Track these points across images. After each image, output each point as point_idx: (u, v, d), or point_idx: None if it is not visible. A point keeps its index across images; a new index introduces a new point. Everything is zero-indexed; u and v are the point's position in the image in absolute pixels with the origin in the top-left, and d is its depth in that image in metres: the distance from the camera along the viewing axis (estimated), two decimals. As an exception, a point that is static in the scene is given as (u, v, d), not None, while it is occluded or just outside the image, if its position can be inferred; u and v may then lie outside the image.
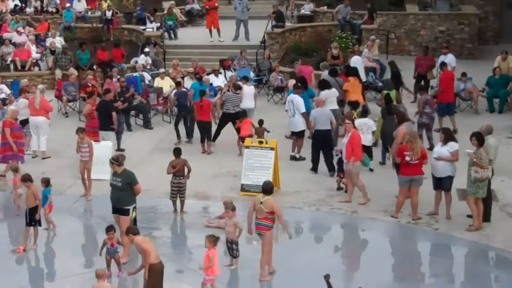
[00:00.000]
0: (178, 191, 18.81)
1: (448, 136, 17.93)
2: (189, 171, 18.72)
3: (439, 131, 20.74)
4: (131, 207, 15.84)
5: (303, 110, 22.01)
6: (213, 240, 13.96)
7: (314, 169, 21.29)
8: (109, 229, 15.01)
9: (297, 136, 22.44)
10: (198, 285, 14.86)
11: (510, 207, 18.65)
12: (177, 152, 19.05)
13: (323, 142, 21.19)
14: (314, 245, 16.91)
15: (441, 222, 17.80)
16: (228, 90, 24.54)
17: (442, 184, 17.86)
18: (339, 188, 19.83)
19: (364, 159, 19.26)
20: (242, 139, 22.34)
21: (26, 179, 16.75)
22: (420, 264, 16.57)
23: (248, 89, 24.84)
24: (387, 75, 27.27)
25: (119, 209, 15.87)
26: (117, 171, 15.91)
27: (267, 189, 15.13)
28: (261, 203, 14.77)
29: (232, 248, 15.19)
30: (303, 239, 17.20)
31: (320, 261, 16.21)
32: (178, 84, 25.28)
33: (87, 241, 17.61)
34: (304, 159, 21.85)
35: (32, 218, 16.33)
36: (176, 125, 24.35)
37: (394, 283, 15.56)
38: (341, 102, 23.83)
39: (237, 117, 23.30)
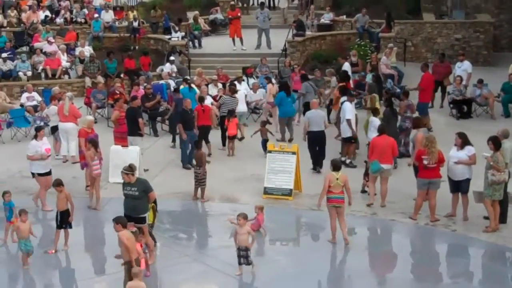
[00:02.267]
0: (197, 179, 19.36)
1: (465, 140, 17.86)
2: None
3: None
4: (146, 215, 15.69)
5: (348, 117, 21.73)
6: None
7: (315, 168, 21.40)
8: (139, 231, 15.05)
9: (345, 142, 22.19)
10: (222, 284, 14.94)
11: (526, 209, 18.54)
12: (198, 144, 20.27)
13: (317, 142, 21.31)
14: (335, 246, 16.84)
15: (459, 224, 17.72)
16: (224, 94, 24.71)
17: (460, 187, 17.79)
18: (363, 191, 19.78)
19: (371, 164, 18.92)
20: (230, 138, 23.24)
21: (58, 183, 16.80)
22: (439, 264, 16.46)
23: (240, 94, 25.18)
24: (367, 78, 27.24)
25: (135, 218, 15.36)
26: (130, 181, 15.53)
27: (339, 165, 16.73)
28: (337, 179, 16.27)
29: (245, 256, 14.92)
30: (325, 241, 17.16)
31: (341, 261, 16.25)
32: (176, 91, 25.42)
33: (117, 243, 17.62)
34: (355, 166, 21.46)
35: (63, 221, 16.40)
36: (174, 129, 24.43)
37: (414, 283, 15.44)
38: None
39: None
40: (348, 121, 21.66)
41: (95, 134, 20.67)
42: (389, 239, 17.98)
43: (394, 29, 34.23)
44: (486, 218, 17.51)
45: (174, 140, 24.25)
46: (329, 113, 25.03)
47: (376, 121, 20.77)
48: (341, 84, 24.36)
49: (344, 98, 22.77)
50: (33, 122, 25.87)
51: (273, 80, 28.44)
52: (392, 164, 19.26)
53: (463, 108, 26.47)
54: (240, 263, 15.02)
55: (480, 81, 26.74)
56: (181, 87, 26.94)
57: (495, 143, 17.11)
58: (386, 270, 16.36)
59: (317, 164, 21.40)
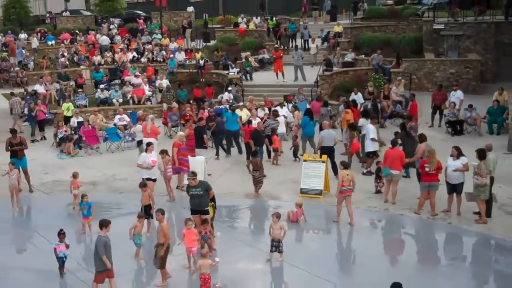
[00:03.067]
0: (255, 180, 19.53)
1: (460, 152, 17.74)
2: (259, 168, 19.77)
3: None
4: (208, 208, 15.79)
5: (372, 136, 21.52)
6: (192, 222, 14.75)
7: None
8: (204, 222, 15.17)
9: (367, 155, 21.90)
10: (267, 262, 14.94)
11: (506, 206, 18.27)
12: (254, 153, 20.18)
13: (328, 154, 20.83)
14: (354, 235, 16.77)
15: (453, 218, 17.50)
16: (269, 118, 24.54)
17: (456, 189, 17.64)
18: (377, 192, 19.64)
19: (384, 170, 18.96)
20: (274, 150, 23.10)
21: (144, 185, 16.95)
22: (437, 249, 16.36)
23: (281, 118, 24.68)
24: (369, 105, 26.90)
25: (201, 211, 15.67)
26: (196, 184, 15.65)
27: (347, 165, 17.89)
28: (347, 175, 17.06)
29: (278, 246, 14.92)
30: (346, 230, 17.08)
31: (359, 246, 16.15)
32: (218, 115, 25.40)
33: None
34: (372, 174, 20.83)
35: (146, 213, 16.53)
36: (218, 144, 24.43)
37: (417, 263, 15.36)
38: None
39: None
40: (373, 139, 21.52)
41: (184, 147, 20.72)
42: (397, 229, 17.77)
43: (402, 65, 34.06)
44: (475, 213, 17.33)
45: (218, 153, 24.23)
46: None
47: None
48: (347, 109, 24.22)
49: (363, 120, 22.66)
50: (123, 137, 26.18)
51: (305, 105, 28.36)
52: (401, 171, 19.07)
53: (456, 127, 26.16)
54: (271, 251, 15.02)
55: (470, 106, 26.47)
56: (236, 110, 27.01)
57: (480, 154, 17.07)
58: (395, 253, 16.32)
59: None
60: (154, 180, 18.68)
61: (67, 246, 14.73)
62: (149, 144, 19.66)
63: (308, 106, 27.75)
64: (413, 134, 21.65)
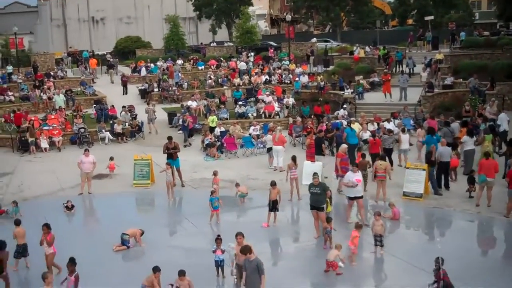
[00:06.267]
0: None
1: None
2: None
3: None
4: (324, 205, 15.79)
5: None
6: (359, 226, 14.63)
7: (436, 193, 19.35)
8: (328, 219, 15.29)
9: None
10: (373, 254, 14.66)
11: None
12: (364, 156, 19.84)
13: (445, 169, 19.85)
14: (449, 231, 16.12)
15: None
16: (384, 134, 23.36)
17: None
18: (470, 197, 18.79)
19: (479, 177, 18.05)
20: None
21: (274, 184, 16.74)
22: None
23: (404, 137, 23.00)
24: (481, 126, 24.88)
25: (317, 207, 15.71)
26: (317, 183, 15.72)
27: (384, 157, 19.33)
28: (380, 165, 18.44)
29: (380, 240, 14.54)
30: (441, 227, 16.46)
31: (453, 242, 15.44)
32: (337, 129, 24.97)
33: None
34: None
35: (274, 207, 16.67)
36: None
37: (504, 259, 14.53)
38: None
39: (390, 151, 22.13)
40: None
41: (346, 157, 19.85)
42: (488, 229, 16.89)
43: (495, 88, 32.55)
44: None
45: None
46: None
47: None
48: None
49: (466, 137, 21.50)
50: (256, 145, 26.57)
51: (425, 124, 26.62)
52: (495, 177, 17.99)
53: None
54: (375, 245, 14.67)
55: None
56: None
57: None
58: (486, 248, 15.49)
59: (439, 186, 19.62)
60: (361, 198, 16.87)
61: (223, 252, 13.33)
62: (356, 165, 18.07)
63: (412, 123, 27.03)
64: None
